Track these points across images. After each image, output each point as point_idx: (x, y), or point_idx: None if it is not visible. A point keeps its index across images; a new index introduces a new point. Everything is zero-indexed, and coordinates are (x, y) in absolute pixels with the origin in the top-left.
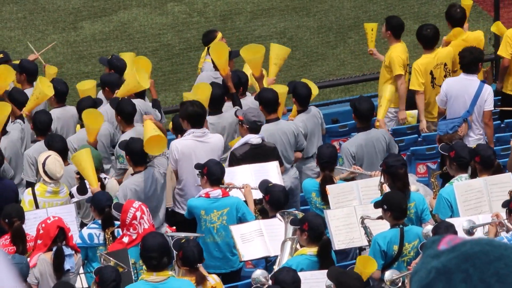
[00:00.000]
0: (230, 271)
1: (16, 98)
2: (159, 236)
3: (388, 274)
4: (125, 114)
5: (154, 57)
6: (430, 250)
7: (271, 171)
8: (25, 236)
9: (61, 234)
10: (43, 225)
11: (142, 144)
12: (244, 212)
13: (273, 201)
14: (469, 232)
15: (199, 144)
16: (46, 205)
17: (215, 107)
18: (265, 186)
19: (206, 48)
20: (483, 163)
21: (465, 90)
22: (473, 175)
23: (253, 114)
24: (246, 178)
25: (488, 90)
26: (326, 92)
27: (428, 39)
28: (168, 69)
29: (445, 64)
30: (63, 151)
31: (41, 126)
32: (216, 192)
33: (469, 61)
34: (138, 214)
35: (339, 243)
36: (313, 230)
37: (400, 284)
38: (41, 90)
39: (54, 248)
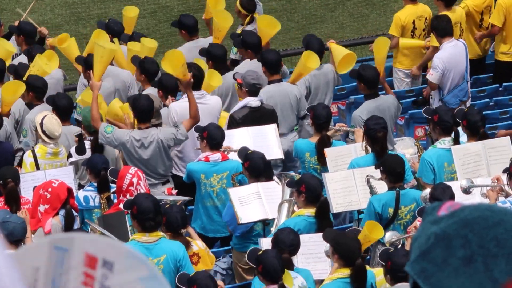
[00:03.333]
0: (230, 234)
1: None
2: (150, 197)
3: (388, 236)
4: (150, 74)
5: (153, 19)
6: (430, 216)
7: (269, 134)
8: (19, 198)
9: (69, 196)
10: (50, 189)
11: (149, 102)
12: (243, 175)
13: (252, 168)
14: (466, 191)
15: (198, 106)
16: (46, 166)
17: (219, 67)
18: (244, 153)
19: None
20: (469, 128)
21: (456, 57)
22: (456, 139)
23: (252, 76)
24: (244, 141)
25: (465, 44)
26: (325, 56)
27: None
28: (167, 31)
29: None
30: (68, 109)
31: (39, 90)
32: (216, 156)
33: (441, 27)
34: (135, 180)
35: (337, 206)
36: (310, 191)
37: (400, 246)
38: (40, 67)
39: (63, 211)
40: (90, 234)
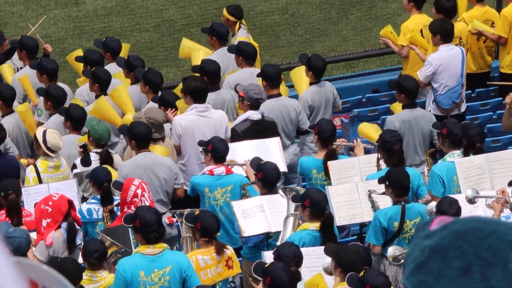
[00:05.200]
0: (233, 247)
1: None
2: (152, 209)
3: (391, 250)
4: (153, 84)
5: (156, 33)
6: (421, 232)
7: (272, 147)
8: (21, 210)
9: (71, 209)
10: (50, 203)
11: (146, 128)
12: (248, 189)
13: (265, 179)
14: (471, 201)
15: (202, 119)
16: (49, 180)
17: (213, 82)
18: (257, 163)
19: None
20: (466, 141)
21: (451, 59)
22: (466, 152)
23: (255, 91)
24: (247, 154)
25: (464, 52)
26: (328, 68)
27: (447, 10)
28: (170, 45)
29: (460, 38)
30: (82, 119)
31: (57, 100)
32: (220, 169)
33: (447, 31)
34: (139, 192)
35: (340, 219)
36: (315, 206)
37: (402, 260)
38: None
39: (65, 224)
40: (32, 260)
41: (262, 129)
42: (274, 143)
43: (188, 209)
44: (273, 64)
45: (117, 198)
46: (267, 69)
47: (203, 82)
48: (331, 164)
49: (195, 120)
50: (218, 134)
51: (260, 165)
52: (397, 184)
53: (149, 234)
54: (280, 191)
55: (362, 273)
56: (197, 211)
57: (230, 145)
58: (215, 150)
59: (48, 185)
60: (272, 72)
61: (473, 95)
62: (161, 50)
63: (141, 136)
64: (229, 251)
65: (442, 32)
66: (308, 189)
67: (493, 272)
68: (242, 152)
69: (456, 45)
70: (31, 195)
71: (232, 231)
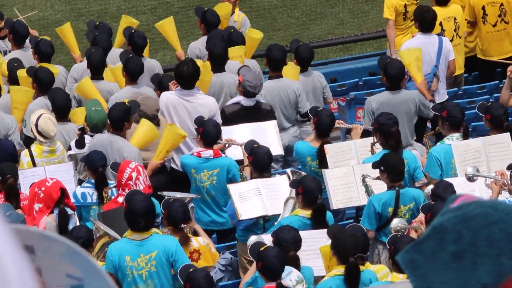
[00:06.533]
0: (221, 228)
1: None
2: (145, 198)
3: (395, 222)
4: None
5: (153, 15)
6: (444, 207)
7: (269, 130)
8: (19, 193)
9: (63, 196)
10: (43, 188)
11: (121, 111)
12: (234, 174)
13: (256, 163)
14: (471, 179)
15: (184, 102)
16: (44, 164)
17: (216, 65)
18: (250, 146)
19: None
20: (492, 121)
21: (427, 48)
22: (466, 135)
23: (251, 84)
24: (243, 137)
25: (447, 41)
26: (325, 51)
27: None
28: None
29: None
30: (65, 107)
31: (43, 81)
32: (208, 152)
33: (424, 20)
34: (134, 174)
35: (337, 202)
36: (307, 193)
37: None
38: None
39: (57, 210)
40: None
41: (255, 115)
42: (270, 126)
43: (180, 194)
44: (279, 46)
45: (111, 182)
46: (270, 51)
47: (193, 68)
48: (328, 147)
49: (175, 100)
50: None
51: (253, 148)
52: (392, 169)
53: (133, 222)
54: (289, 171)
55: None
56: (186, 199)
57: (227, 128)
58: (206, 135)
59: (44, 167)
60: (275, 55)
61: (469, 78)
62: (158, 33)
63: (113, 120)
64: (197, 243)
65: (420, 21)
66: (304, 176)
67: (484, 262)
68: (238, 135)
69: (439, 34)
70: (28, 178)
71: (217, 214)
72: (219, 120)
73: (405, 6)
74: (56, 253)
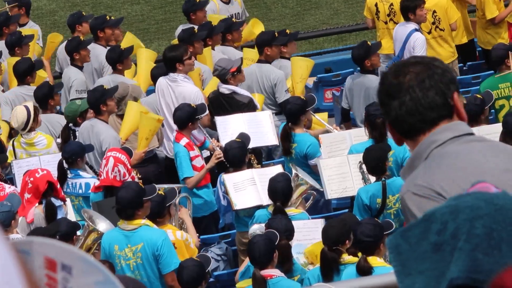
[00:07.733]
0: (209, 213)
1: None
2: (132, 188)
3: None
4: None
5: (147, 5)
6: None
7: (263, 121)
8: None
9: (50, 189)
10: (32, 178)
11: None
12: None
13: (228, 160)
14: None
15: (169, 87)
16: (23, 155)
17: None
18: (244, 138)
19: None
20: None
21: (399, 36)
22: None
23: (216, 69)
24: (238, 127)
25: (416, 37)
26: (320, 41)
27: None
28: (161, 17)
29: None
30: (45, 99)
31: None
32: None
33: (411, 8)
34: (111, 163)
35: (332, 192)
36: (270, 191)
37: None
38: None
39: (44, 202)
40: (47, 238)
41: (227, 104)
42: (265, 116)
43: (166, 185)
44: (265, 32)
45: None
46: (262, 35)
47: (177, 52)
48: (322, 137)
49: (164, 85)
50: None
51: (226, 144)
52: (370, 162)
53: (119, 210)
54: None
55: None
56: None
57: (222, 118)
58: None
59: (39, 158)
60: (257, 39)
61: (464, 68)
62: (153, 23)
63: (90, 104)
64: (174, 237)
65: (401, 8)
66: (275, 175)
67: (459, 256)
68: (233, 125)
69: (417, 29)
70: (22, 168)
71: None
72: (206, 111)
73: (376, 5)
74: (92, 280)
